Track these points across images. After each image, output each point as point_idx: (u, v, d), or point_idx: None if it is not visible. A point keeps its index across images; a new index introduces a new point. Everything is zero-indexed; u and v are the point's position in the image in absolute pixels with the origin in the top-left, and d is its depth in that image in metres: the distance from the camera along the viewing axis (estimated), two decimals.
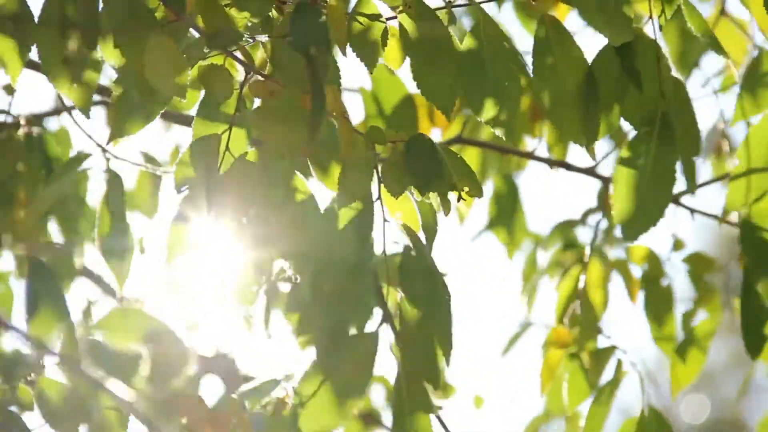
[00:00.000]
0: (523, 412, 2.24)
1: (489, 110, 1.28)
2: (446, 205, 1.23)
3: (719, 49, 1.29)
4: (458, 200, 1.23)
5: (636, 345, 1.90)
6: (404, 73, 1.93)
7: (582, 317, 1.86)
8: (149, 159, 2.01)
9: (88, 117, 1.26)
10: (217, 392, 1.79)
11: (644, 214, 1.32)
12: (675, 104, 1.32)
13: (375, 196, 1.25)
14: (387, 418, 2.08)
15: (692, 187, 1.31)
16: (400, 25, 1.26)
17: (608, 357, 1.73)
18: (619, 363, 1.73)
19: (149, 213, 1.99)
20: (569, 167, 1.79)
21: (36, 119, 1.70)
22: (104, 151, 1.58)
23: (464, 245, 2.20)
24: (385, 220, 1.26)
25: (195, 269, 1.26)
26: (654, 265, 1.94)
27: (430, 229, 1.26)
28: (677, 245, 1.94)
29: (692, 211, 1.75)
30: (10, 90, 1.58)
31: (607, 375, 1.77)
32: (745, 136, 1.40)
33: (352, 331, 1.29)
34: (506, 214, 2.16)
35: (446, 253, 1.27)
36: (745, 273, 1.41)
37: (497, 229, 2.18)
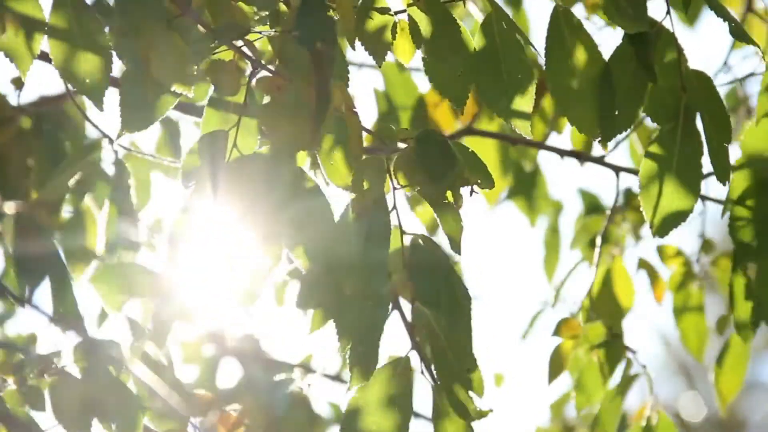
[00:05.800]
0: (545, 391, 2.21)
1: (503, 103, 1.28)
2: (458, 200, 1.22)
3: (747, 39, 1.28)
4: (470, 194, 1.22)
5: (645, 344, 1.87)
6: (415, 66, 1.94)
7: (606, 312, 1.83)
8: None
9: (101, 110, 1.25)
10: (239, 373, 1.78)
11: (673, 211, 1.32)
12: (700, 95, 1.32)
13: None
14: None
15: (723, 176, 1.31)
16: (410, 18, 1.25)
17: (620, 356, 1.71)
18: (629, 363, 1.71)
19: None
20: (580, 157, 1.78)
21: (47, 107, 1.68)
22: (112, 142, 1.57)
23: (485, 220, 2.18)
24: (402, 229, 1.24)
25: (204, 257, 1.25)
26: (684, 266, 1.90)
27: (455, 238, 1.24)
28: (706, 246, 1.89)
29: (704, 198, 1.74)
30: (18, 83, 1.56)
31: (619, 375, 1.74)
32: (747, 128, 1.40)
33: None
34: (526, 183, 2.14)
35: (467, 232, 1.25)
36: (735, 256, 1.41)
37: (517, 198, 2.16)
